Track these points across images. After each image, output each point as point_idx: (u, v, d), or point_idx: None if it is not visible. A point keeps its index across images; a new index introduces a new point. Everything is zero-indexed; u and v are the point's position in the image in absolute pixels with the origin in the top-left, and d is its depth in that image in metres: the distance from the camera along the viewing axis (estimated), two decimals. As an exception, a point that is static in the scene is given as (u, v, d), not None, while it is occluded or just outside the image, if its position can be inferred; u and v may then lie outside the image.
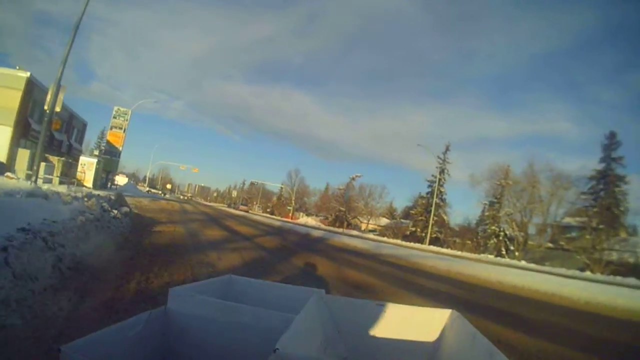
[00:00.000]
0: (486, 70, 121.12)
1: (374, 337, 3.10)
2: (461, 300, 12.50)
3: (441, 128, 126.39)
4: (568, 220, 55.44)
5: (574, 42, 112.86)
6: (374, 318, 3.13)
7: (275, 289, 3.82)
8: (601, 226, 48.37)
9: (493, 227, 58.82)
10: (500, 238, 57.45)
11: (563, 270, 33.40)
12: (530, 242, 55.98)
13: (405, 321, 3.16)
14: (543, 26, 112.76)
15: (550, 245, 54.23)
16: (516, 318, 10.70)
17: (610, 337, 10.10)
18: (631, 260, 45.17)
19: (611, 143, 53.19)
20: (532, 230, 58.00)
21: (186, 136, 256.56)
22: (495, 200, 61.90)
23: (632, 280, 27.12)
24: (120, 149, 62.62)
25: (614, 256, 45.90)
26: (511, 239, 57.42)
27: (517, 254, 52.53)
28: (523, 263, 39.87)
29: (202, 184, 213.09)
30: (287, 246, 21.90)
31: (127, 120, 65.58)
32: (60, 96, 20.74)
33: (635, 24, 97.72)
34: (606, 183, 52.67)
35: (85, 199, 13.37)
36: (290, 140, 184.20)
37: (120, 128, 63.65)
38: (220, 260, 11.54)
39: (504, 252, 54.29)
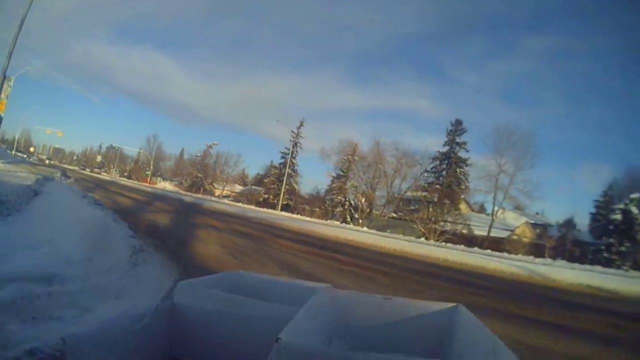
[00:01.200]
0: (349, 45, 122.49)
1: (379, 331, 3.16)
2: (313, 243, 21.84)
3: (300, 97, 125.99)
4: (410, 194, 63.61)
5: (438, 26, 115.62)
6: (380, 312, 3.18)
7: (284, 285, 3.84)
8: (445, 201, 56.93)
9: (340, 197, 64.41)
10: (346, 207, 63.19)
11: (400, 236, 41.58)
12: (375, 212, 63.77)
13: (411, 315, 3.23)
14: (406, 10, 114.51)
15: (393, 215, 61.91)
16: (338, 250, 19.54)
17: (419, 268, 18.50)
18: (465, 231, 54.30)
19: (456, 129, 61.54)
20: (377, 201, 65.38)
21: (48, 98, 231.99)
22: (343, 173, 67.73)
23: (459, 247, 36.39)
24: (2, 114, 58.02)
25: (449, 227, 53.67)
26: (356, 208, 63.73)
27: (360, 221, 58.51)
28: (365, 229, 47.03)
29: (57, 145, 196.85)
30: (180, 210, 28.85)
31: (10, 86, 59.61)
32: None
33: (498, 15, 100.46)
34: (449, 164, 60.67)
35: None
36: (150, 104, 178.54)
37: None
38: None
39: (349, 220, 59.66)
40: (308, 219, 51.31)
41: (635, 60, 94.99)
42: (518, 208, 60.90)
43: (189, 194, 76.03)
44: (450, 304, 3.27)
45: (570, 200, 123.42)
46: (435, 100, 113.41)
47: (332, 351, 2.04)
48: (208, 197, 74.57)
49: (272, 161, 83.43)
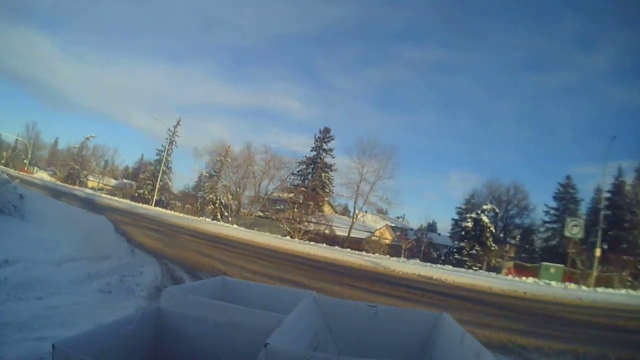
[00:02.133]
0: (224, 40, 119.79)
1: (364, 338, 3.15)
2: (207, 238, 26.52)
3: (175, 90, 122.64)
4: (277, 194, 65.59)
5: (315, 28, 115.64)
6: (365, 319, 3.15)
7: (268, 291, 3.86)
8: (309, 203, 58.66)
9: (211, 196, 65.22)
10: (217, 205, 64.04)
11: (268, 234, 45.01)
12: (242, 210, 65.31)
13: (396, 322, 3.21)
14: (284, 10, 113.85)
15: (260, 214, 63.25)
16: (227, 244, 24.84)
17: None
18: (327, 231, 56.79)
19: (324, 137, 63.37)
20: (245, 200, 67.61)
21: None
22: (215, 173, 69.28)
23: (322, 245, 41.26)
24: None
25: (312, 227, 55.79)
26: (226, 207, 65.15)
27: (230, 219, 60.35)
28: (235, 226, 49.54)
29: None
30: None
31: None
32: None
33: (375, 23, 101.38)
34: (315, 168, 62.60)
35: None
36: (28, 87, 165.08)
37: None
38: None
39: (219, 217, 61.42)
40: (181, 214, 55.48)
41: (502, 74, 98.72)
42: (379, 212, 65.69)
43: (66, 185, 75.38)
44: (435, 312, 3.31)
45: (437, 205, 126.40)
46: (308, 102, 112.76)
47: (318, 356, 2.05)
48: (84, 189, 73.03)
49: (142, 155, 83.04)
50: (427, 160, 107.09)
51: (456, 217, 60.94)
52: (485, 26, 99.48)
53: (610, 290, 32.03)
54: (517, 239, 59.32)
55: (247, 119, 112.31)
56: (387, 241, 58.02)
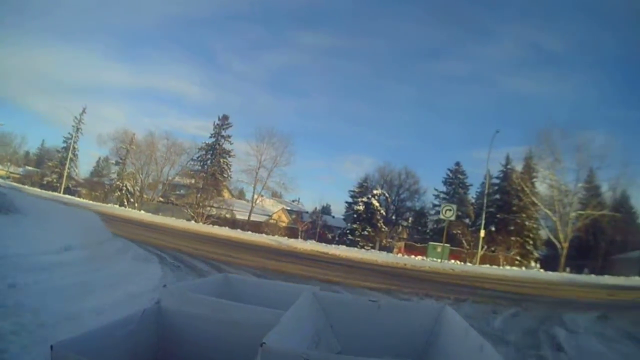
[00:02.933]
0: (117, 19, 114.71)
1: (366, 332, 3.10)
2: (133, 223, 30.02)
3: (68, 70, 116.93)
4: (178, 180, 68.09)
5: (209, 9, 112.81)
6: (366, 313, 3.12)
7: (270, 287, 3.81)
8: (209, 188, 61.61)
9: (118, 182, 66.96)
10: (123, 192, 65.63)
11: (173, 218, 48.67)
12: (145, 196, 66.69)
13: (398, 316, 3.18)
14: None
15: (161, 199, 65.97)
16: (148, 227, 28.00)
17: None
18: (228, 215, 60.40)
19: (223, 124, 66.17)
20: (148, 186, 68.95)
21: None
22: (120, 160, 70.42)
23: (225, 228, 45.69)
24: None
25: (214, 211, 59.23)
26: (132, 193, 66.87)
27: (136, 205, 62.14)
28: (142, 212, 53.31)
29: None
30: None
31: None
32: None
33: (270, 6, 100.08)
34: (214, 155, 65.01)
35: None
36: None
37: None
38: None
39: (125, 203, 62.69)
40: (90, 202, 56.71)
41: (398, 61, 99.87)
42: (275, 196, 70.84)
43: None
44: (437, 305, 3.30)
45: (332, 188, 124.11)
46: (204, 86, 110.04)
47: (315, 355, 1.99)
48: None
49: (43, 141, 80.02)
50: (322, 144, 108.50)
51: (349, 200, 63.21)
52: (380, 12, 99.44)
53: (488, 265, 37.81)
54: (409, 221, 62.86)
55: (144, 102, 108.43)
56: (284, 224, 61.71)
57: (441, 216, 43.50)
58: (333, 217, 67.10)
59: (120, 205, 60.09)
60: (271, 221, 60.04)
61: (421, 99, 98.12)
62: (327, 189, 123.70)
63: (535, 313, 11.33)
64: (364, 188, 62.89)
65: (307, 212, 66.91)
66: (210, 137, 65.66)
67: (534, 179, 57.34)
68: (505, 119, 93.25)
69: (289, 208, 72.39)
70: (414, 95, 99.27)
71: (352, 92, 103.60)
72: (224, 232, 38.34)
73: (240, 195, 76.15)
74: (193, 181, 64.04)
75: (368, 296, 3.47)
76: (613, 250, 55.29)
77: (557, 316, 10.80)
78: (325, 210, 75.82)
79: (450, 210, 42.13)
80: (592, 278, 34.91)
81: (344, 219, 62.12)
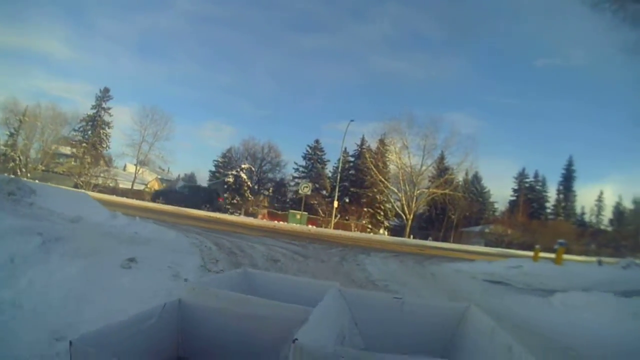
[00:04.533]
0: None
1: (391, 330, 2.89)
2: None
3: None
4: (62, 149, 64.50)
5: None
6: (391, 311, 2.91)
7: (290, 282, 3.54)
8: (89, 158, 60.96)
9: (12, 153, 62.73)
10: (17, 162, 61.84)
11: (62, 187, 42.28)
12: (30, 165, 62.64)
13: (422, 315, 2.96)
14: None
15: (43, 168, 61.81)
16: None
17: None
18: (112, 184, 61.01)
19: (104, 96, 64.42)
20: (32, 155, 64.28)
21: None
22: (15, 131, 64.81)
23: (113, 196, 44.00)
24: None
25: (100, 181, 60.19)
26: (25, 164, 62.80)
27: (28, 175, 58.17)
28: (37, 181, 42.76)
29: None
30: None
31: None
32: None
33: None
34: (95, 126, 63.67)
35: None
36: None
37: None
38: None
39: (19, 173, 57.63)
40: None
41: (265, 31, 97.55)
42: (143, 164, 67.32)
43: None
44: (463, 305, 3.03)
45: (194, 155, 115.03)
46: (74, 47, 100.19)
47: (348, 352, 1.80)
48: None
49: None
50: (185, 110, 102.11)
51: (213, 169, 67.51)
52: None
53: (341, 230, 42.33)
54: (270, 191, 64.77)
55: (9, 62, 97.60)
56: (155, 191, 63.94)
57: (300, 191, 49.99)
58: (200, 185, 67.47)
59: (13, 175, 55.31)
60: (147, 189, 63.28)
61: (289, 70, 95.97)
62: (190, 156, 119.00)
63: (355, 251, 17.59)
64: (227, 159, 67.40)
65: (176, 180, 72.53)
66: (92, 108, 64.72)
67: (386, 159, 62.38)
68: (372, 95, 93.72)
69: (160, 177, 76.20)
70: (281, 67, 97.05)
71: (219, 59, 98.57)
72: (112, 199, 37.26)
73: (112, 163, 73.59)
74: (75, 150, 63.09)
75: (392, 294, 3.19)
76: (464, 223, 64.84)
77: (367, 253, 17.09)
78: (191, 178, 77.93)
79: (307, 187, 49.33)
80: (426, 242, 44.50)
81: (208, 187, 63.26)
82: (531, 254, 24.11)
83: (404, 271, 13.01)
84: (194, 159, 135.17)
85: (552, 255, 20.18)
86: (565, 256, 26.80)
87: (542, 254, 22.62)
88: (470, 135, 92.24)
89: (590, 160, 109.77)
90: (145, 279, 5.52)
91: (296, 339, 1.69)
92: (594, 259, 27.38)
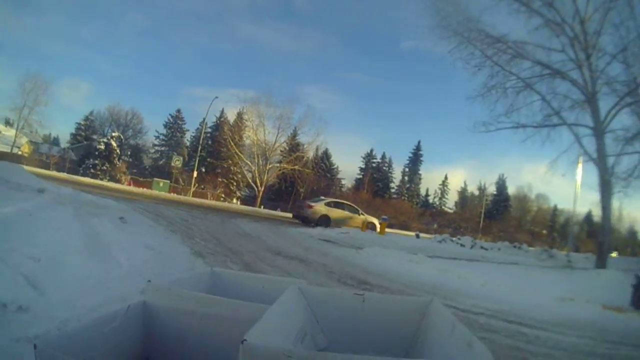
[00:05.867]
0: None
1: (353, 327, 2.77)
2: None
3: None
4: None
5: None
6: (352, 308, 2.78)
7: (258, 281, 3.33)
8: None
9: None
10: None
11: None
12: None
13: (385, 310, 2.81)
14: None
15: None
16: None
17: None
18: None
19: None
20: None
21: None
22: None
23: None
24: None
25: None
26: None
27: None
28: None
29: None
30: None
31: None
32: None
33: None
34: None
35: None
36: None
37: None
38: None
39: None
40: None
41: None
42: (9, 124, 64.97)
43: None
44: (425, 299, 2.88)
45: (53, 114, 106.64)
46: None
47: (299, 352, 1.74)
48: None
49: None
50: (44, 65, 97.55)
51: (74, 131, 65.15)
52: None
53: (198, 198, 44.36)
54: (128, 156, 63.42)
55: None
56: (27, 154, 59.82)
57: (172, 164, 52.47)
58: (64, 149, 64.72)
59: None
60: (20, 152, 59.97)
61: (154, 30, 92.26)
62: (48, 114, 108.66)
63: (226, 216, 22.27)
64: (89, 121, 65.70)
65: (49, 144, 67.77)
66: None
67: (242, 132, 63.56)
68: (235, 63, 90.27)
69: (33, 140, 69.82)
70: (146, 25, 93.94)
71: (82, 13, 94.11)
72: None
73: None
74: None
75: (353, 290, 3.05)
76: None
77: (235, 217, 21.99)
78: (55, 141, 73.74)
79: (178, 160, 51.67)
80: (276, 212, 46.77)
81: (70, 149, 62.40)
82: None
83: (266, 229, 18.54)
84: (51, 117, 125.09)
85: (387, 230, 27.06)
86: (397, 230, 42.71)
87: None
88: (327, 110, 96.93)
89: (440, 145, 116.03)
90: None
91: (245, 340, 1.62)
92: (432, 235, 34.51)
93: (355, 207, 29.67)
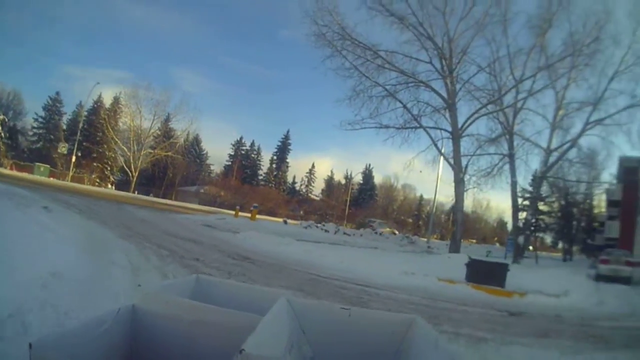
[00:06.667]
0: None
1: (338, 341, 2.69)
2: None
3: None
4: None
5: None
6: (338, 321, 2.70)
7: (242, 290, 3.25)
8: None
9: None
10: None
11: None
12: None
13: (369, 325, 2.73)
14: None
15: None
16: None
17: None
18: None
19: None
20: None
21: None
22: None
23: None
24: None
25: None
26: None
27: None
28: None
29: None
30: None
31: None
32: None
33: None
34: None
35: None
36: None
37: None
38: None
39: None
40: None
41: None
42: None
43: None
44: (409, 316, 2.82)
45: None
46: None
47: None
48: None
49: None
50: None
51: None
52: None
53: (76, 183, 43.11)
54: (7, 138, 56.92)
55: None
56: None
57: (59, 150, 48.96)
58: None
59: None
60: None
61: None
62: None
63: (115, 202, 23.35)
64: None
65: None
66: None
67: (119, 117, 61.57)
68: (112, 42, 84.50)
69: None
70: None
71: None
72: None
73: None
74: None
75: (340, 304, 2.90)
76: (179, 183, 63.31)
77: (122, 204, 23.00)
78: None
79: (64, 147, 48.42)
80: (152, 198, 47.59)
81: None
82: (234, 212, 32.46)
83: (157, 216, 20.73)
84: None
85: (249, 215, 28.92)
86: (269, 217, 42.52)
87: (241, 213, 31.53)
88: (200, 95, 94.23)
89: (309, 133, 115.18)
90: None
91: (243, 350, 1.60)
92: (299, 222, 36.74)
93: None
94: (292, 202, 76.51)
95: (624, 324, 9.89)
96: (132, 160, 58.39)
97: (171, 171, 64.17)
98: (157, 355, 2.48)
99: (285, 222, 35.04)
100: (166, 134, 64.44)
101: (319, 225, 36.78)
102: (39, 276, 3.88)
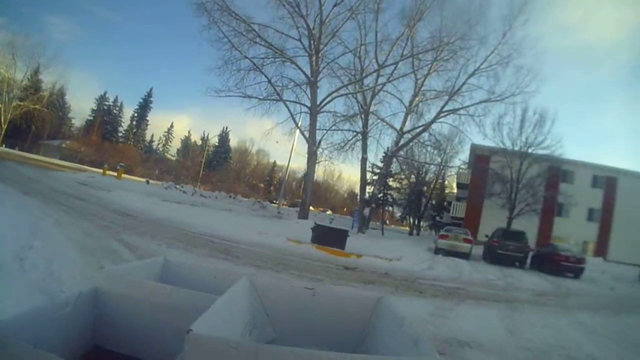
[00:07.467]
0: None
1: (302, 321, 2.63)
2: None
3: None
4: None
5: None
6: (303, 302, 2.64)
7: (209, 272, 3.05)
8: None
9: None
10: None
11: None
12: None
13: (335, 305, 2.65)
14: None
15: None
16: None
17: None
18: None
19: None
20: None
21: None
22: None
23: None
24: None
25: None
26: None
27: None
28: None
29: None
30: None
31: None
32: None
33: None
34: None
35: None
36: None
37: None
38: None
39: None
40: None
41: None
42: None
43: None
44: (375, 294, 2.80)
45: None
46: None
47: (244, 344, 1.66)
48: None
49: None
50: None
51: None
52: None
53: None
54: None
55: None
56: None
57: None
58: None
59: None
60: None
61: None
62: None
63: None
64: None
65: None
66: None
67: None
68: None
69: None
70: None
71: None
72: None
73: None
74: None
75: (304, 284, 2.61)
76: (43, 136, 56.83)
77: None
78: None
79: None
80: (18, 152, 45.60)
81: None
82: (101, 170, 33.56)
83: (39, 173, 21.73)
84: None
85: (115, 173, 29.53)
86: (127, 175, 41.45)
87: (108, 172, 32.49)
88: (67, 42, 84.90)
89: (170, 88, 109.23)
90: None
91: (190, 330, 1.52)
92: (160, 182, 36.65)
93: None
94: (149, 160, 73.57)
95: (444, 285, 11.60)
96: (2, 112, 53.38)
97: (38, 124, 58.01)
98: (119, 337, 2.38)
99: (147, 182, 38.15)
100: (35, 85, 58.35)
101: (177, 186, 39.14)
102: None
